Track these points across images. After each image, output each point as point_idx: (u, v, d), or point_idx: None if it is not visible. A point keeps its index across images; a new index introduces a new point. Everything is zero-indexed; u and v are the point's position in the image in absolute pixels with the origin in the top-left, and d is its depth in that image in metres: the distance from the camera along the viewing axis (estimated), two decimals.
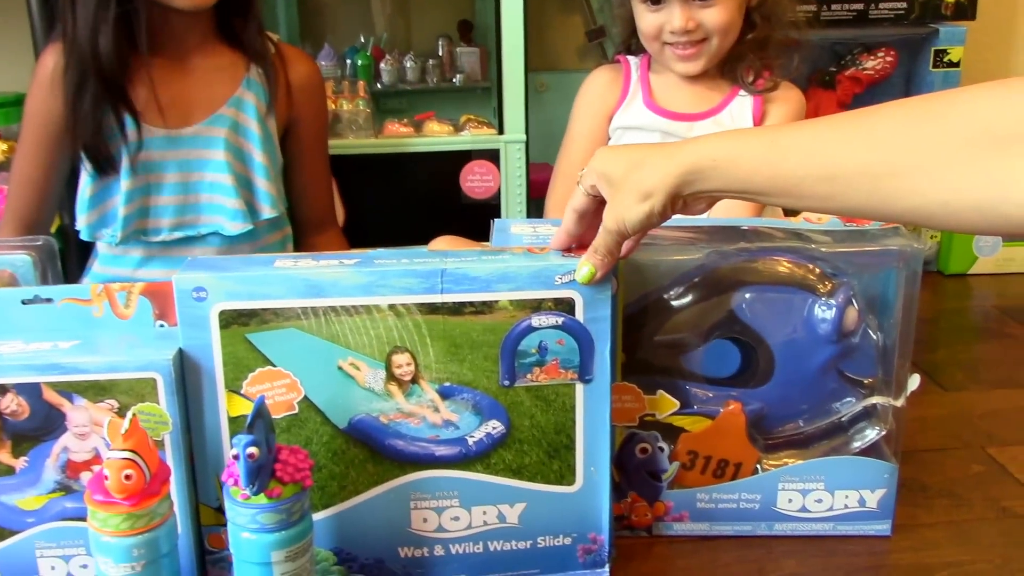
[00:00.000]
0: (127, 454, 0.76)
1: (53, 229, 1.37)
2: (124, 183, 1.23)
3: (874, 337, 0.98)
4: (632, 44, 1.46)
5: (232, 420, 0.87)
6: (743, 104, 1.39)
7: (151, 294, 0.91)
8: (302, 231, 1.45)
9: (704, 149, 0.79)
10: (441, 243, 1.31)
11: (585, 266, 0.85)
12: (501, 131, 1.71)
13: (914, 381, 0.97)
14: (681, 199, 0.80)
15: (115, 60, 1.18)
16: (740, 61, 1.38)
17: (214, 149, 1.26)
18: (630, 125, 1.40)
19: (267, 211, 1.29)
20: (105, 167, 1.23)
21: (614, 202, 0.83)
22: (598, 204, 0.86)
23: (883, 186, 0.70)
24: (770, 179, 0.75)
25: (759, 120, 1.40)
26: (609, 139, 1.43)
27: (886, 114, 0.72)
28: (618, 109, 1.41)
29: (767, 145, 0.76)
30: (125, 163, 1.23)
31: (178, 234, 1.27)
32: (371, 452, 0.90)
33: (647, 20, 1.35)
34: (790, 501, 0.99)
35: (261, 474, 0.77)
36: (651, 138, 1.39)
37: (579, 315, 0.87)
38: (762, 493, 0.99)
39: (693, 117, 1.39)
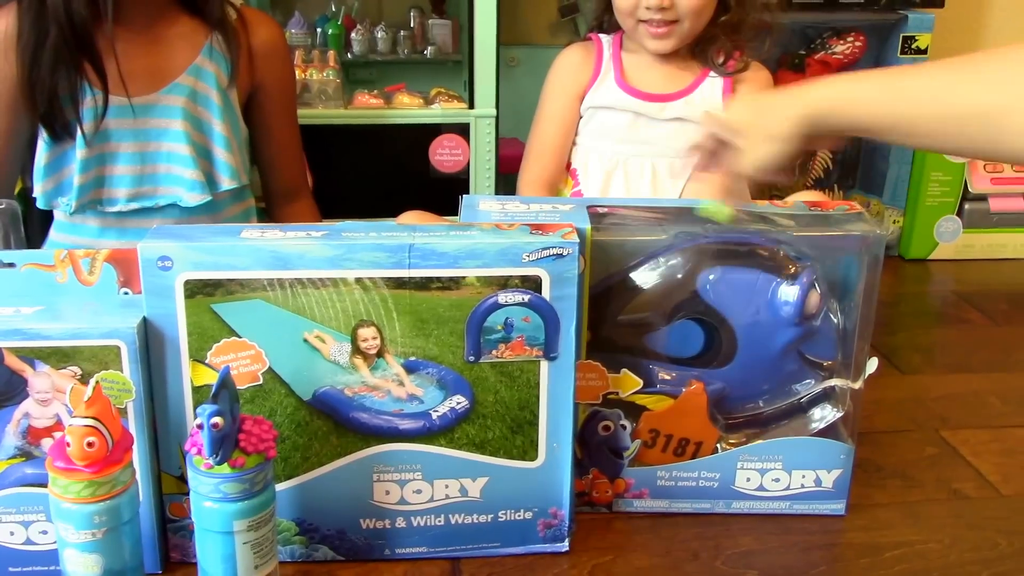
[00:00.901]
0: (90, 421, 0.76)
1: (15, 191, 1.35)
2: (79, 152, 1.21)
3: (835, 320, 0.99)
4: (604, 22, 1.46)
5: (196, 389, 0.87)
6: (714, 84, 1.40)
7: (116, 261, 0.90)
8: (274, 201, 1.43)
9: (825, 92, 0.84)
10: (409, 218, 1.31)
11: (719, 204, 0.93)
12: (471, 105, 1.70)
13: (872, 364, 0.99)
14: (810, 138, 0.86)
15: (89, 23, 1.16)
16: (712, 43, 1.39)
17: (172, 119, 1.24)
18: (602, 104, 1.40)
19: (226, 182, 1.27)
20: (61, 134, 1.21)
21: (746, 149, 0.88)
22: (722, 145, 0.93)
23: (993, 124, 0.73)
24: (886, 118, 0.81)
25: None
26: (580, 118, 1.43)
27: (998, 55, 0.75)
28: (590, 88, 1.41)
29: (883, 87, 0.81)
30: (81, 131, 1.21)
31: (135, 205, 1.25)
32: (335, 424, 0.90)
33: None
34: (748, 480, 1.01)
35: (225, 444, 0.77)
36: (623, 118, 1.40)
37: (545, 293, 0.88)
38: (721, 472, 1.00)
39: (665, 97, 1.39)
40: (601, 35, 1.45)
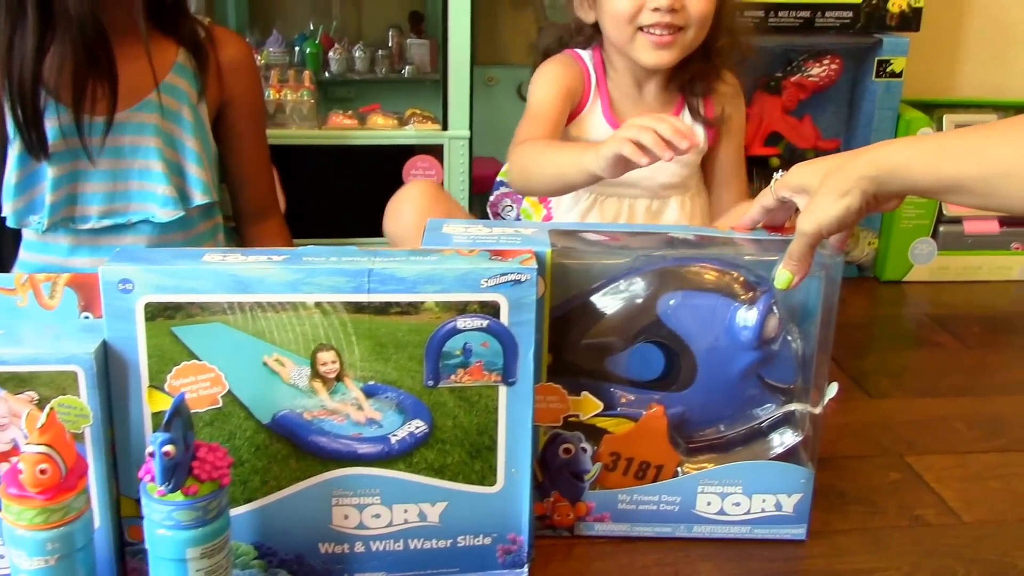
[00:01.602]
0: (42, 448, 0.76)
1: None
2: (51, 169, 1.21)
3: (794, 345, 1.00)
4: (567, 40, 1.37)
5: (155, 416, 0.87)
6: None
7: (77, 285, 0.90)
8: (244, 220, 1.43)
9: (885, 157, 0.89)
10: (416, 187, 1.28)
11: (783, 273, 0.94)
12: (445, 127, 1.71)
13: (832, 389, 0.99)
14: (874, 198, 0.90)
15: (103, 32, 1.16)
16: (696, 75, 1.33)
17: (144, 135, 1.25)
18: (587, 139, 1.32)
19: (199, 197, 1.28)
20: (38, 152, 1.21)
21: (811, 206, 0.92)
22: (782, 204, 0.99)
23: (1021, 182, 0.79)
24: (936, 179, 0.85)
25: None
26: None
27: None
28: (580, 112, 1.34)
29: (935, 151, 0.86)
30: (56, 148, 1.21)
31: (107, 222, 1.26)
32: (294, 448, 0.90)
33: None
34: (709, 504, 1.01)
35: (177, 472, 0.77)
36: None
37: (504, 318, 0.88)
38: (682, 495, 1.01)
39: None
40: (580, 52, 1.36)
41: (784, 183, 0.97)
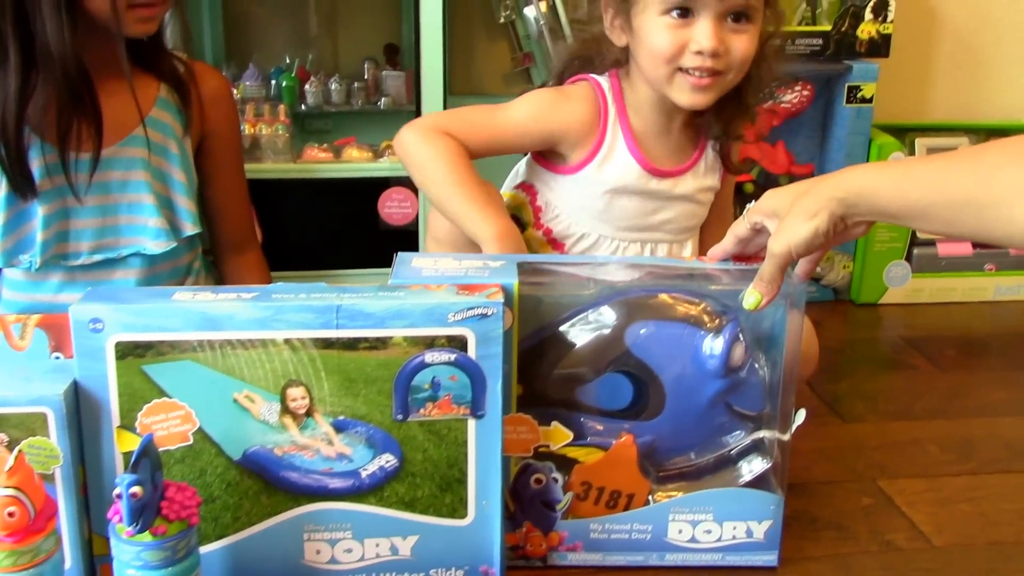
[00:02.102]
0: (10, 491, 0.76)
1: None
2: (41, 208, 1.22)
3: (762, 373, 1.01)
4: (580, 67, 1.28)
5: (124, 456, 0.88)
6: (715, 153, 1.29)
7: (47, 326, 0.91)
8: (222, 253, 1.44)
9: (853, 180, 0.90)
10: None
11: (752, 294, 0.95)
12: None
13: (800, 416, 1.00)
14: (842, 221, 0.91)
15: (85, 71, 1.18)
16: (727, 121, 1.24)
17: (132, 170, 1.26)
18: (618, 186, 1.22)
19: (189, 228, 1.30)
20: (25, 192, 1.22)
21: (781, 228, 0.93)
22: (755, 234, 1.00)
23: (986, 214, 0.81)
24: (904, 207, 0.87)
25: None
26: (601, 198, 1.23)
27: (994, 150, 0.83)
28: (597, 153, 1.22)
29: (900, 177, 0.88)
30: (43, 187, 1.22)
31: (98, 257, 1.27)
32: (265, 484, 0.91)
33: (666, 37, 1.13)
34: (680, 532, 1.02)
35: (145, 512, 0.77)
36: (632, 202, 1.23)
37: (471, 352, 0.89)
38: (653, 524, 1.01)
39: (675, 172, 1.24)
40: (599, 79, 1.25)
41: (757, 208, 0.99)
